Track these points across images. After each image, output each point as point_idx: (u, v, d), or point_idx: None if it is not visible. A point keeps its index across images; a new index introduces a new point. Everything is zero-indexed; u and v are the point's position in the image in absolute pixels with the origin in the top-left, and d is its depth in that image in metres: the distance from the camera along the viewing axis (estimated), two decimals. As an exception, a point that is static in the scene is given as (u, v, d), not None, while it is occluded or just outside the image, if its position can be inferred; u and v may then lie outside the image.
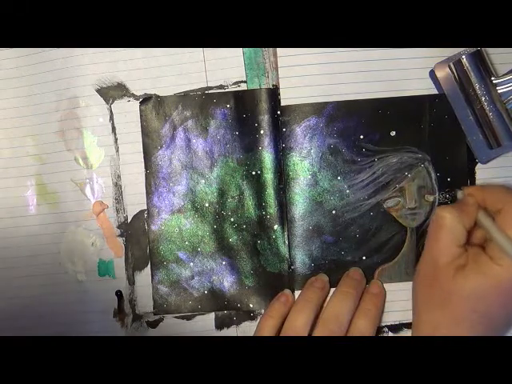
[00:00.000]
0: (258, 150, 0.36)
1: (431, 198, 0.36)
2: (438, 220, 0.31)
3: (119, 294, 0.37)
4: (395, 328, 0.36)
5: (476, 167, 0.36)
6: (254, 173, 0.36)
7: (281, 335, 0.33)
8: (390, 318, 0.36)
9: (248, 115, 0.36)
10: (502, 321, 0.31)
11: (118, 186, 0.37)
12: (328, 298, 0.35)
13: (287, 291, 0.36)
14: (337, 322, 0.33)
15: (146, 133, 0.37)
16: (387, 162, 0.36)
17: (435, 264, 0.31)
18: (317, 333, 0.33)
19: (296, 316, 0.33)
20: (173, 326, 0.37)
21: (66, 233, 0.38)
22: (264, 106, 0.36)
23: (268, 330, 0.33)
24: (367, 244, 0.36)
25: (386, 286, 0.36)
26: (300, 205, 0.36)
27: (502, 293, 0.29)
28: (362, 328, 0.33)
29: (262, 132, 0.36)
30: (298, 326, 0.33)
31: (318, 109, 0.36)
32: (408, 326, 0.36)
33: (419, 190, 0.36)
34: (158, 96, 0.37)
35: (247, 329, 0.37)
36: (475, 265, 0.29)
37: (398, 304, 0.36)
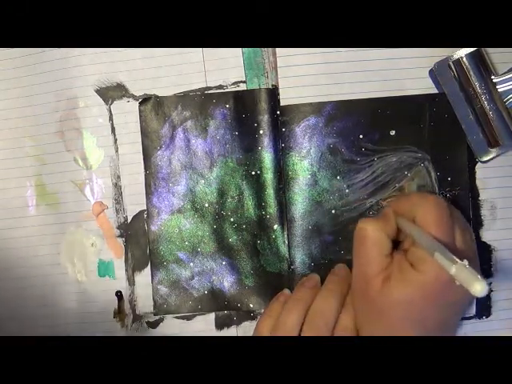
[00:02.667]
0: (257, 149, 0.36)
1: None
2: (360, 233, 0.31)
3: (119, 294, 0.37)
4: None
5: (476, 166, 0.36)
6: (253, 173, 0.36)
7: (271, 335, 0.33)
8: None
9: (247, 115, 0.36)
10: (436, 323, 0.30)
11: (117, 187, 0.37)
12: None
13: (286, 291, 0.36)
14: (322, 319, 0.32)
15: (145, 133, 0.37)
16: (387, 161, 0.36)
17: (364, 277, 0.31)
18: (304, 330, 0.33)
19: (286, 315, 0.33)
20: (173, 326, 0.37)
21: (65, 233, 0.38)
22: (263, 105, 0.36)
23: (266, 330, 0.33)
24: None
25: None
26: (300, 204, 0.36)
27: (428, 297, 0.29)
28: (347, 323, 0.33)
29: (261, 132, 0.36)
30: (287, 326, 0.33)
31: (318, 108, 0.36)
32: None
33: (419, 190, 0.36)
34: (158, 96, 0.37)
35: (247, 329, 0.37)
36: (399, 273, 0.29)
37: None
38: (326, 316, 0.33)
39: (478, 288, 0.23)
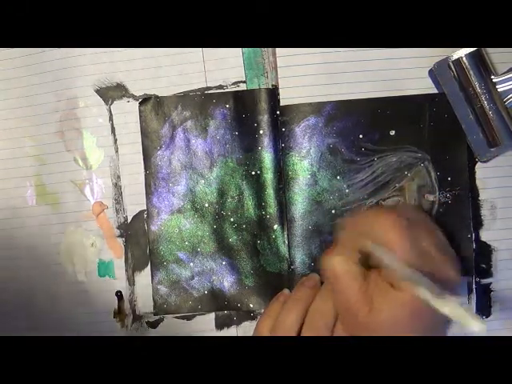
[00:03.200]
0: (257, 149, 0.36)
1: (431, 198, 0.36)
2: (329, 273, 0.31)
3: (119, 294, 0.37)
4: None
5: (476, 166, 0.36)
6: (253, 173, 0.36)
7: (271, 335, 0.33)
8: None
9: (247, 115, 0.36)
10: (428, 334, 0.30)
11: (117, 187, 0.37)
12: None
13: (286, 291, 0.36)
14: (322, 319, 0.32)
15: (145, 133, 0.37)
16: (387, 161, 0.36)
17: (349, 310, 0.30)
18: (303, 330, 0.33)
19: (285, 315, 0.33)
20: (173, 326, 0.37)
21: (65, 233, 0.38)
22: (263, 105, 0.36)
23: (266, 330, 0.33)
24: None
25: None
26: (299, 204, 0.36)
27: (415, 313, 0.28)
28: None
29: (261, 132, 0.36)
30: (287, 325, 0.32)
31: (317, 108, 0.36)
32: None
33: (419, 190, 0.36)
34: (158, 96, 0.37)
35: (247, 329, 0.37)
36: (380, 296, 0.29)
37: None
38: (325, 316, 0.32)
39: (476, 328, 0.23)
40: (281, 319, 0.33)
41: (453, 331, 0.35)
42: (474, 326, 0.23)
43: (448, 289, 0.26)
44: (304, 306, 0.33)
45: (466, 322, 0.23)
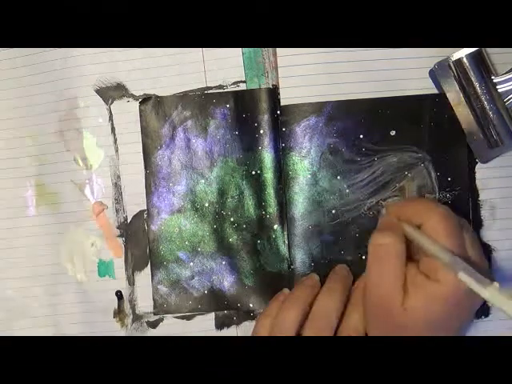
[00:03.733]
0: (257, 149, 0.36)
1: (431, 198, 0.36)
2: (381, 249, 0.30)
3: (119, 294, 0.37)
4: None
5: (476, 167, 0.36)
6: (253, 172, 0.36)
7: (269, 334, 0.33)
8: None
9: (248, 115, 0.36)
10: (456, 331, 0.30)
11: (117, 187, 0.37)
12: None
13: (285, 290, 0.36)
14: (325, 319, 0.32)
15: (145, 133, 0.37)
16: (387, 161, 0.36)
17: (382, 295, 0.29)
18: (306, 330, 0.33)
19: (284, 314, 0.33)
20: (173, 326, 0.37)
21: (65, 233, 0.38)
22: (264, 105, 0.36)
23: (265, 330, 0.33)
24: (367, 243, 0.36)
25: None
26: (300, 204, 0.36)
27: (449, 307, 0.28)
28: (354, 322, 0.32)
29: (261, 132, 0.36)
30: (285, 324, 0.32)
31: (318, 108, 0.36)
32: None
33: (419, 190, 0.36)
34: (158, 96, 0.37)
35: (247, 329, 0.37)
36: (415, 288, 0.29)
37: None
38: (328, 316, 0.32)
39: None
40: (279, 318, 0.33)
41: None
42: None
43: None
44: (303, 305, 0.33)
45: (506, 307, 0.24)
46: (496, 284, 0.25)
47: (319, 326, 0.32)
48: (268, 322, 0.34)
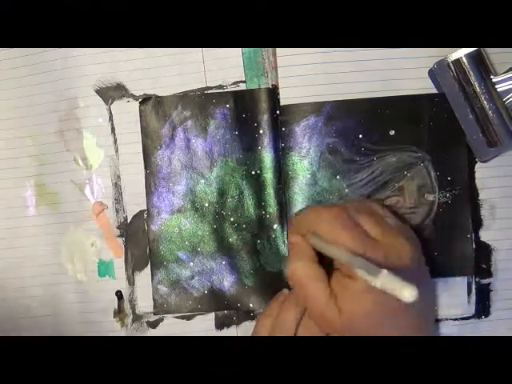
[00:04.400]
0: (257, 149, 0.36)
1: (431, 197, 0.36)
2: (294, 277, 0.31)
3: (119, 294, 0.37)
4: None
5: (476, 166, 0.36)
6: (253, 172, 0.36)
7: (270, 334, 0.33)
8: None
9: (247, 115, 0.36)
10: (409, 322, 0.30)
11: (117, 187, 0.37)
12: None
13: (285, 291, 0.36)
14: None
15: (145, 133, 0.37)
16: (386, 161, 0.36)
17: (321, 312, 0.30)
18: (299, 330, 0.33)
19: (284, 314, 0.33)
20: (173, 326, 0.37)
21: (65, 233, 0.38)
22: (263, 105, 0.36)
23: (265, 330, 0.33)
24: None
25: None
26: (299, 204, 0.36)
27: (377, 300, 0.29)
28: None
29: (261, 132, 0.36)
30: (286, 324, 0.32)
31: (317, 108, 0.36)
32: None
33: (419, 189, 0.36)
34: (158, 96, 0.37)
35: (247, 329, 0.37)
36: (342, 292, 0.30)
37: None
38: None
39: (406, 294, 0.24)
40: (280, 319, 0.33)
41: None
42: (405, 293, 0.24)
43: (402, 274, 0.25)
44: (300, 305, 0.33)
45: (398, 291, 0.24)
46: (385, 271, 0.25)
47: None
48: (268, 322, 0.34)
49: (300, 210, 0.36)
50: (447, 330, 0.36)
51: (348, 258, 0.28)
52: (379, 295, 0.28)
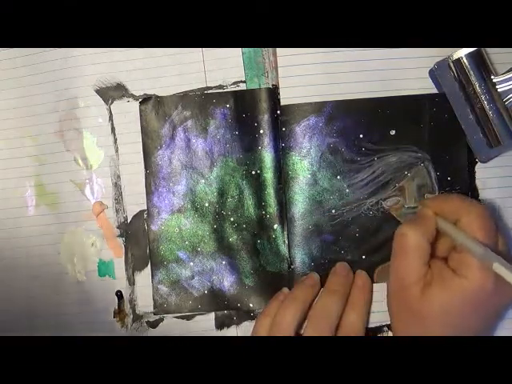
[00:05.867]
0: (257, 149, 0.36)
1: (431, 197, 0.36)
2: (402, 239, 0.31)
3: (119, 294, 0.37)
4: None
5: (476, 166, 0.36)
6: (253, 172, 0.36)
7: (268, 333, 0.33)
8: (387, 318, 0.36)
9: (248, 115, 0.36)
10: (479, 330, 0.30)
11: (117, 187, 0.37)
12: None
13: (285, 290, 0.36)
14: (326, 320, 0.33)
15: (145, 133, 0.37)
16: (387, 161, 0.36)
17: (402, 284, 0.30)
18: (306, 331, 0.33)
19: (283, 314, 0.33)
20: (173, 326, 0.37)
21: (65, 233, 0.38)
22: (264, 105, 0.36)
23: (264, 330, 0.33)
24: (367, 243, 0.36)
25: (384, 285, 0.35)
26: (300, 204, 0.36)
27: (472, 304, 0.29)
28: (352, 320, 0.33)
29: (261, 131, 0.36)
30: (284, 324, 0.32)
31: (318, 108, 0.36)
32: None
33: (419, 189, 0.36)
34: (158, 96, 0.37)
35: (247, 329, 0.37)
36: (440, 281, 0.29)
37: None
38: (329, 317, 0.33)
39: None
40: (278, 318, 0.33)
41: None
42: None
43: None
44: (302, 304, 0.33)
45: None
46: None
47: (319, 327, 0.32)
48: (267, 321, 0.34)
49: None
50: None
51: (483, 252, 0.28)
52: (475, 305, 0.28)
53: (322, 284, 0.35)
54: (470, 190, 0.36)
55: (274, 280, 0.36)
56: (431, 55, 0.35)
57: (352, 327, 0.33)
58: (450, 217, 0.31)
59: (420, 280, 0.30)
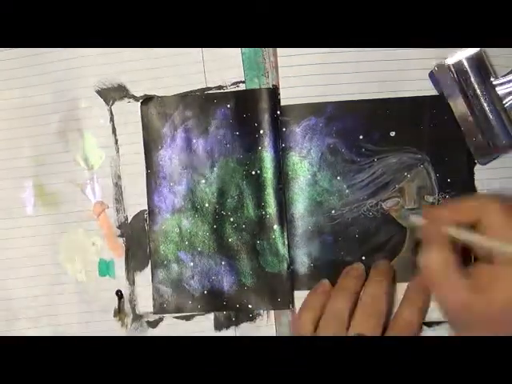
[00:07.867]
0: (257, 149, 0.36)
1: (431, 199, 0.36)
2: (426, 271, 0.29)
3: (119, 293, 0.37)
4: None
5: (475, 168, 0.36)
6: (253, 173, 0.36)
7: (320, 323, 0.33)
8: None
9: (248, 115, 0.36)
10: None
11: (118, 187, 0.37)
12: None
13: (325, 281, 0.35)
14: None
15: (146, 133, 0.37)
16: (387, 162, 0.36)
17: (466, 311, 0.28)
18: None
19: (333, 304, 0.33)
20: (173, 326, 0.37)
21: (65, 233, 0.38)
22: (264, 105, 0.36)
23: (310, 323, 0.33)
24: (366, 244, 0.36)
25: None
26: (299, 205, 0.36)
27: None
28: (405, 317, 0.33)
29: (261, 132, 0.36)
30: (335, 313, 0.32)
31: (318, 109, 0.36)
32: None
33: (419, 191, 0.36)
34: (159, 97, 0.37)
35: (246, 329, 0.37)
36: (492, 283, 0.27)
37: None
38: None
39: None
40: (329, 308, 0.33)
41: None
42: None
43: None
44: (350, 294, 0.33)
45: None
46: None
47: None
48: (311, 314, 0.33)
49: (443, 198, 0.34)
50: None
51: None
52: None
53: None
54: (470, 192, 0.36)
55: (273, 281, 0.36)
56: (431, 57, 0.35)
57: (406, 323, 0.33)
58: (468, 222, 0.29)
59: (472, 293, 0.28)
